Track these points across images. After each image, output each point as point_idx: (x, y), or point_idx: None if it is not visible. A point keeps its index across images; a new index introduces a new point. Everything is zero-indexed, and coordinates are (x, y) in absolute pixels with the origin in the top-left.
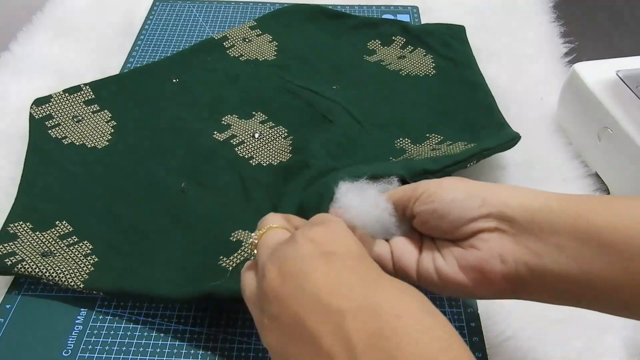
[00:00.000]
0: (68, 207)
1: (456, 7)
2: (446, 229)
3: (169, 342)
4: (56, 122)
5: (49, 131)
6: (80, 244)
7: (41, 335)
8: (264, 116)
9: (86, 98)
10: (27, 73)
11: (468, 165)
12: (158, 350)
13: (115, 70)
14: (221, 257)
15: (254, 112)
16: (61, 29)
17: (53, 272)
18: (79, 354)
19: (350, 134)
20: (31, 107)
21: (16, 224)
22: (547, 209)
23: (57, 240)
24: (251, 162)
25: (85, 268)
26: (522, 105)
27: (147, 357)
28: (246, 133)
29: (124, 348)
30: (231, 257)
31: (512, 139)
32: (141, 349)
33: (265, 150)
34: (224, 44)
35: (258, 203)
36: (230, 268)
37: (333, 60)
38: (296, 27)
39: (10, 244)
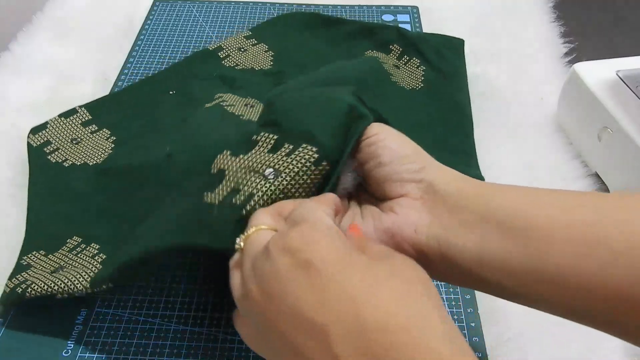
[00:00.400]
0: (77, 223)
1: (456, 7)
2: (377, 179)
3: (169, 342)
4: (55, 147)
5: (49, 157)
6: (88, 248)
7: (41, 335)
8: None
9: (83, 120)
10: (27, 73)
11: None
12: (158, 350)
13: (116, 70)
14: (205, 193)
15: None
16: (61, 29)
17: (61, 284)
18: (79, 354)
19: None
20: (28, 137)
21: (29, 255)
22: (466, 188)
23: (67, 254)
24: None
25: (93, 268)
26: (522, 105)
27: (147, 357)
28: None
29: (124, 348)
30: (215, 191)
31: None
32: (141, 349)
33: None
34: (219, 54)
35: (237, 119)
36: (217, 202)
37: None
38: (292, 36)
39: (23, 273)
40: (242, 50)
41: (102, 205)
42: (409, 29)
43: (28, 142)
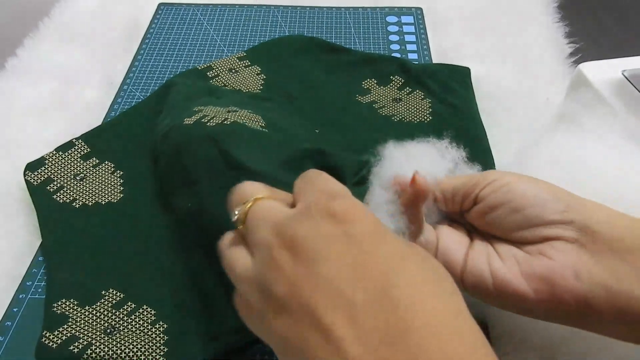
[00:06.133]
0: (107, 271)
1: (460, 8)
2: (513, 226)
3: None
4: (59, 185)
5: (54, 196)
6: (140, 311)
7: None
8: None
9: (82, 153)
10: (33, 78)
11: None
12: None
13: (121, 75)
14: None
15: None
16: (67, 34)
17: (128, 351)
18: None
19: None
20: (25, 174)
21: (59, 303)
22: (637, 228)
23: (112, 310)
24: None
25: (158, 339)
26: (527, 106)
27: None
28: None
29: None
30: None
31: None
32: None
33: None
34: (208, 73)
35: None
36: None
37: (321, 99)
38: (287, 61)
39: (65, 326)
40: (234, 71)
41: (132, 253)
42: (413, 30)
43: (26, 180)
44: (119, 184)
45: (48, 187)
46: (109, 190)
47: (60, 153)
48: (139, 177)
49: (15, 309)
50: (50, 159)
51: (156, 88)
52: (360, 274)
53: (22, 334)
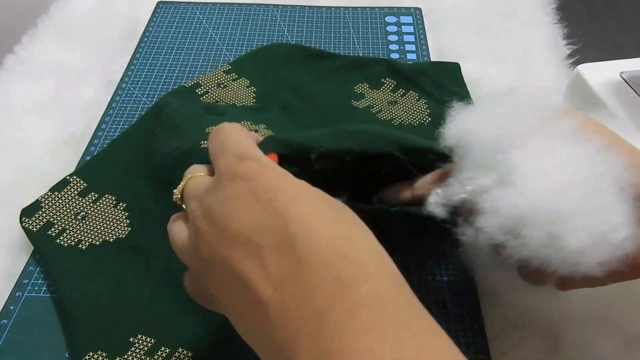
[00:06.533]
0: (131, 316)
1: (459, 8)
2: None
3: None
4: (60, 229)
5: (58, 240)
6: (177, 355)
7: (45, 336)
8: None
9: (79, 189)
10: (31, 76)
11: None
12: None
13: (119, 73)
14: None
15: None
16: (65, 32)
17: None
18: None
19: None
20: (22, 221)
21: (88, 357)
22: None
23: (146, 359)
24: None
25: None
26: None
27: None
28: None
29: None
30: None
31: None
32: None
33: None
34: (197, 90)
35: None
36: None
37: (318, 107)
38: (275, 70)
39: None
40: (222, 86)
41: (153, 290)
42: (412, 31)
43: (24, 227)
44: (124, 217)
45: (49, 232)
46: (115, 225)
47: (56, 193)
48: (144, 206)
49: (11, 307)
50: (46, 201)
51: (154, 86)
52: (262, 220)
53: (19, 332)
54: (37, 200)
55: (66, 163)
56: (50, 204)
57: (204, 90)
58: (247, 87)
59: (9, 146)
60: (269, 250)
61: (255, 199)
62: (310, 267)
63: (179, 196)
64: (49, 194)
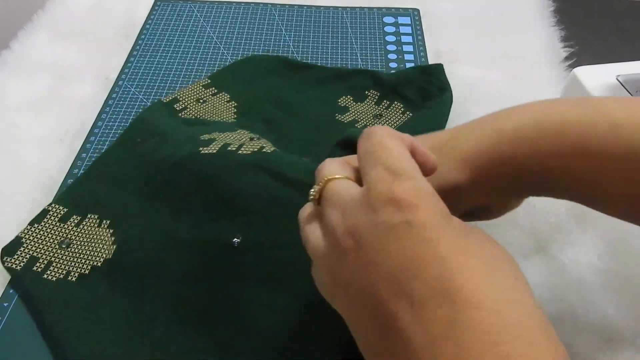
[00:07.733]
0: (137, 342)
1: (457, 10)
2: None
3: None
4: (46, 262)
5: (44, 276)
6: None
7: (39, 334)
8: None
9: (59, 216)
10: (27, 72)
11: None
12: None
13: (116, 71)
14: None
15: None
16: (62, 28)
17: None
18: None
19: None
20: (4, 261)
21: None
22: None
23: None
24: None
25: None
26: None
27: None
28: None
29: None
30: None
31: None
32: None
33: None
34: (175, 106)
35: None
36: None
37: (302, 122)
38: (256, 84)
39: None
40: (202, 101)
41: (153, 309)
42: (410, 31)
43: (7, 268)
44: (108, 235)
45: (35, 268)
46: (101, 247)
47: (36, 225)
48: (128, 219)
49: (5, 304)
50: (27, 236)
51: (152, 84)
52: (418, 265)
53: (11, 329)
54: (17, 237)
55: (61, 161)
56: (31, 238)
57: (183, 105)
58: (228, 101)
59: (3, 142)
60: (423, 301)
61: (414, 236)
62: (473, 331)
63: (318, 196)
64: (29, 227)
